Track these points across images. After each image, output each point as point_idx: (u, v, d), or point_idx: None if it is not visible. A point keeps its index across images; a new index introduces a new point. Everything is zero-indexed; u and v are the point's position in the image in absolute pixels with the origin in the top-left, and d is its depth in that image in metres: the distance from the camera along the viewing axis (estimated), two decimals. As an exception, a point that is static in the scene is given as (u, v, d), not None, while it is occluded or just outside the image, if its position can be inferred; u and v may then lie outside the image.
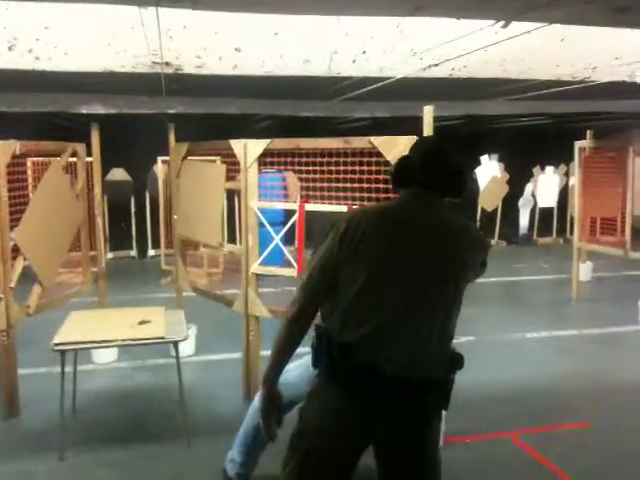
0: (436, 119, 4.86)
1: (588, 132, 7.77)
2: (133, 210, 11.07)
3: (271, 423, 2.10)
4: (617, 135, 8.22)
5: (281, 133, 4.39)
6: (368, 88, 5.33)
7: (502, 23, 3.22)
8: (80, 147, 5.10)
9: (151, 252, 11.13)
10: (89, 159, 5.39)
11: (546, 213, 13.02)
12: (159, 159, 9.44)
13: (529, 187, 12.77)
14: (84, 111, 6.84)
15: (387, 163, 3.79)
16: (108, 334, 3.82)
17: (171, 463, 3.79)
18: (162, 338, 3.82)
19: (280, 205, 4.50)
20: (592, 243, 7.82)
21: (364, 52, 4.29)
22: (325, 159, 4.16)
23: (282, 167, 4.49)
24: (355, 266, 2.00)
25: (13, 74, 4.59)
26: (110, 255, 9.77)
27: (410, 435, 2.08)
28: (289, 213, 5.39)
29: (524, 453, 3.88)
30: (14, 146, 4.20)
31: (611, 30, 3.58)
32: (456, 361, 2.10)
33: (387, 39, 3.98)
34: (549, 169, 12.68)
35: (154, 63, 4.25)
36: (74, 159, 5.17)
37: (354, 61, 4.43)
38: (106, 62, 4.24)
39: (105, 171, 7.62)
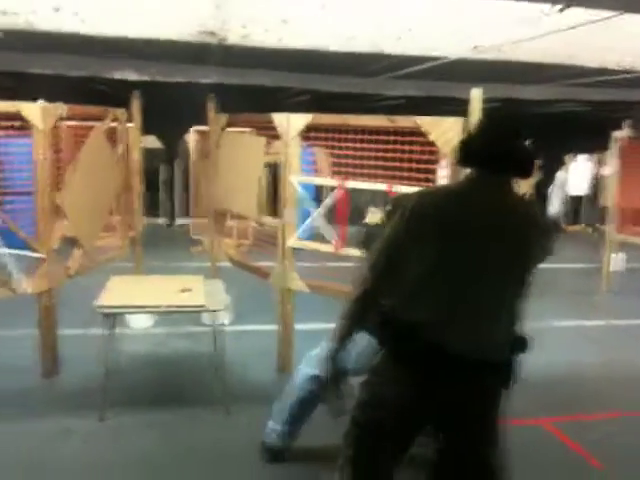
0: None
1: (626, 122, 7.64)
2: (162, 178, 11.14)
3: (334, 397, 2.14)
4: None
5: (312, 109, 4.37)
6: (410, 69, 5.30)
7: (559, 7, 3.19)
8: (121, 113, 5.14)
9: (179, 221, 11.23)
10: (128, 125, 5.42)
11: (576, 201, 12.88)
12: (192, 129, 9.45)
13: (561, 174, 12.63)
14: (117, 77, 6.88)
15: (431, 143, 3.79)
16: (151, 300, 3.89)
17: (210, 429, 3.86)
18: (203, 306, 3.89)
19: (320, 181, 4.50)
20: (626, 233, 7.73)
21: (410, 30, 4.27)
22: (360, 136, 4.15)
23: (318, 142, 4.48)
24: (422, 247, 2.00)
25: (51, 36, 4.61)
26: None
27: (471, 414, 2.10)
28: (319, 189, 5.42)
29: (556, 439, 3.90)
30: (60, 109, 4.25)
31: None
32: (520, 343, 2.11)
33: (434, 18, 3.96)
34: (581, 157, 12.52)
35: (199, 32, 4.26)
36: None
37: (399, 38, 4.41)
38: (152, 29, 4.25)
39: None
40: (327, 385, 2.17)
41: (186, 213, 10.94)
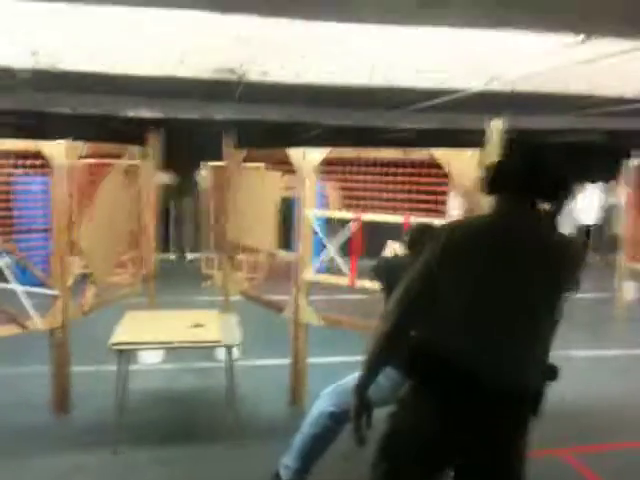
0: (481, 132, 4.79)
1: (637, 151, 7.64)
2: (173, 214, 11.19)
3: (361, 428, 2.10)
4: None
5: (325, 144, 4.39)
6: (426, 103, 5.33)
7: (581, 38, 3.20)
8: (140, 150, 5.18)
9: (191, 256, 11.25)
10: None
11: (585, 230, 12.82)
12: (205, 164, 9.51)
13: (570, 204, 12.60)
14: (130, 114, 6.96)
15: (445, 175, 3.79)
16: (165, 336, 3.86)
17: (223, 464, 3.81)
18: (218, 342, 3.86)
19: (337, 214, 4.50)
20: (638, 262, 7.68)
21: (427, 63, 4.30)
22: (372, 169, 4.16)
23: (330, 176, 4.50)
24: (454, 281, 2.00)
25: (70, 76, 4.69)
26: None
27: (500, 445, 2.08)
28: (329, 222, 5.37)
29: (574, 471, 3.83)
30: (80, 147, 4.29)
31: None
32: (550, 373, 2.11)
33: (450, 51, 3.99)
34: (590, 186, 12.50)
35: (218, 70, 4.31)
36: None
37: (417, 72, 4.45)
38: (171, 68, 4.31)
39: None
40: (354, 416, 2.13)
41: (196, 248, 10.96)
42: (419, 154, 3.92)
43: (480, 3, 2.66)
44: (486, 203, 2.22)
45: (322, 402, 3.38)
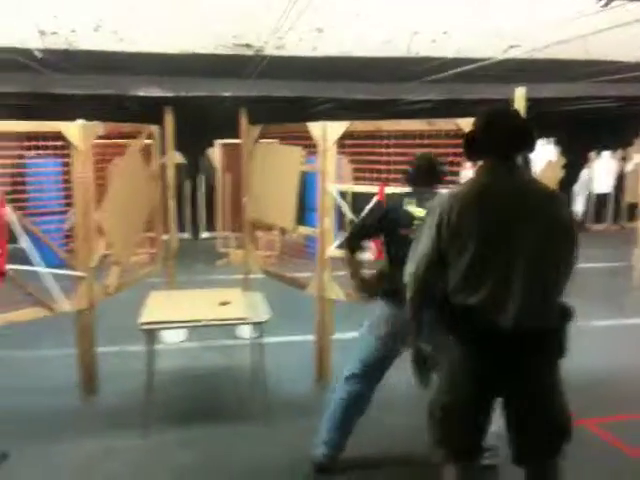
0: (498, 102, 4.72)
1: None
2: (187, 193, 11.16)
3: (422, 373, 2.52)
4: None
5: (338, 118, 4.34)
6: (446, 73, 5.25)
7: (603, 2, 3.13)
8: (155, 129, 5.14)
9: (204, 234, 11.25)
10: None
11: (600, 199, 12.74)
12: (216, 142, 9.45)
13: (585, 172, 12.49)
14: (141, 93, 6.91)
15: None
16: (193, 314, 3.85)
17: (250, 443, 3.82)
18: (246, 319, 3.85)
19: (360, 188, 4.46)
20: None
21: (445, 32, 4.22)
22: (386, 142, 4.17)
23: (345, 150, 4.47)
24: (461, 242, 2.27)
25: (93, 55, 4.64)
26: (165, 236, 9.87)
27: (533, 379, 2.35)
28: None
29: (600, 439, 3.84)
30: (98, 128, 4.25)
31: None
32: (565, 312, 2.37)
33: (469, 19, 3.91)
34: (605, 154, 12.38)
35: (235, 45, 4.25)
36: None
37: (434, 41, 4.37)
38: (188, 44, 4.25)
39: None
40: (413, 363, 2.53)
41: (210, 227, 10.95)
42: (443, 125, 3.86)
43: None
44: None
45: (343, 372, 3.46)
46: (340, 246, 3.66)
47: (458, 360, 2.37)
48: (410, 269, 2.43)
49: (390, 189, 4.03)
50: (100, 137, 4.35)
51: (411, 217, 3.22)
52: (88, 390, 4.44)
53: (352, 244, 3.48)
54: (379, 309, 3.37)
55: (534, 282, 2.27)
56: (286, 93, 6.56)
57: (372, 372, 3.35)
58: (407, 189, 3.48)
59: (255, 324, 3.95)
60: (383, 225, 3.37)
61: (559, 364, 2.42)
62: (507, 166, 2.33)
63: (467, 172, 5.24)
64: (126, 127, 4.81)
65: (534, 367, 2.36)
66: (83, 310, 4.32)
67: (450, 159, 3.84)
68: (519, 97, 3.54)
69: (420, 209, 3.18)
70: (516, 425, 2.47)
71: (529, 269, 2.25)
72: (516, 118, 2.41)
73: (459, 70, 5.13)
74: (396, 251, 3.30)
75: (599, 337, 5.81)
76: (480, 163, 2.39)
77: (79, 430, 3.96)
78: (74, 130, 4.06)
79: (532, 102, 3.05)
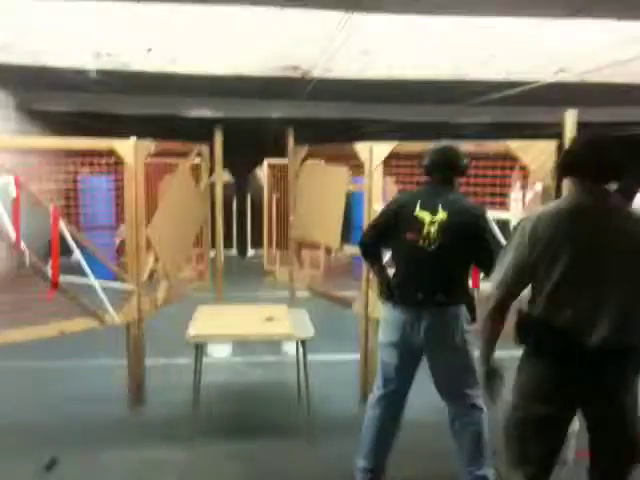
0: (548, 125, 4.69)
1: None
2: (235, 211, 11.34)
3: (493, 391, 2.55)
4: None
5: (386, 139, 4.37)
6: (492, 96, 5.25)
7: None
8: (205, 148, 5.27)
9: (250, 252, 11.40)
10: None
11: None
12: (265, 161, 9.60)
13: (638, 199, 12.18)
14: (193, 115, 7.10)
15: (510, 167, 3.74)
16: (240, 329, 3.93)
17: (294, 460, 3.84)
18: (291, 335, 3.90)
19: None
20: None
21: (494, 55, 4.24)
22: None
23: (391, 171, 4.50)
24: (547, 263, 2.33)
25: (146, 76, 4.81)
26: (213, 254, 10.04)
27: (612, 397, 2.39)
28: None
29: None
30: (150, 145, 4.39)
31: None
32: None
33: (520, 43, 3.92)
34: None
35: (284, 67, 4.35)
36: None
37: (483, 64, 4.39)
38: (239, 66, 4.37)
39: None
40: (483, 381, 2.58)
41: (257, 245, 11.09)
42: (493, 147, 3.86)
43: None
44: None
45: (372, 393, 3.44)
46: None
47: (539, 376, 2.43)
48: (498, 276, 2.48)
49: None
50: (152, 155, 4.49)
51: (421, 223, 3.14)
52: (136, 401, 4.54)
53: (366, 249, 3.41)
54: (386, 316, 3.32)
55: (623, 303, 2.34)
56: (333, 115, 6.65)
57: (390, 378, 3.31)
58: (422, 187, 3.38)
59: (299, 340, 3.99)
60: (391, 227, 3.27)
61: (637, 382, 2.48)
62: (602, 190, 2.38)
63: (517, 194, 5.23)
64: (177, 145, 4.95)
65: (613, 384, 2.41)
66: (132, 322, 4.44)
67: (499, 181, 3.84)
68: (570, 120, 3.52)
69: (432, 215, 3.12)
70: (591, 440, 2.52)
71: (619, 290, 2.32)
72: (617, 149, 2.43)
73: (506, 93, 5.11)
74: (402, 256, 3.28)
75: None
76: (573, 182, 2.45)
77: (126, 440, 4.04)
78: (126, 147, 4.21)
79: (584, 126, 3.03)
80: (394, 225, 3.25)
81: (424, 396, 3.45)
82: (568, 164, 2.45)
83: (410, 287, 3.19)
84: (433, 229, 3.12)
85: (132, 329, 4.46)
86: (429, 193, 3.23)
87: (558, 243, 2.32)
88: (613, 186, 2.42)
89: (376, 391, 3.39)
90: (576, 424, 2.89)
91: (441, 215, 3.11)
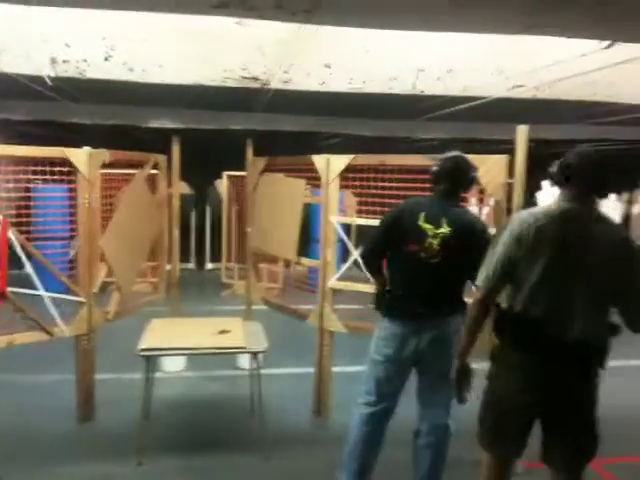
0: (503, 142, 4.78)
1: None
2: (193, 223, 11.22)
3: (463, 389, 2.76)
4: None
5: (343, 152, 4.38)
6: (446, 111, 5.32)
7: (606, 44, 3.18)
8: (162, 159, 5.20)
9: (209, 265, 11.28)
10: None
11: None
12: (224, 173, 9.55)
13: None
14: (153, 125, 7.01)
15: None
16: (192, 342, 3.86)
17: (248, 475, 3.79)
18: (244, 348, 3.85)
19: (361, 221, 4.48)
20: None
21: (450, 70, 4.29)
22: (389, 176, 4.20)
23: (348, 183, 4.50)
24: (534, 260, 2.53)
25: (102, 84, 4.73)
26: (168, 267, 9.91)
27: (575, 387, 2.61)
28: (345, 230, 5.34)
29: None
30: (104, 155, 4.32)
31: None
32: (613, 329, 2.61)
33: (475, 58, 3.98)
34: (611, 196, 12.38)
35: (243, 78, 4.33)
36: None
37: (439, 79, 4.44)
38: (198, 76, 4.33)
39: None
40: (456, 378, 2.75)
41: (215, 258, 10.99)
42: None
43: (510, 6, 2.64)
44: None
45: (356, 407, 3.37)
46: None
47: (514, 366, 2.63)
48: (485, 272, 2.66)
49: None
50: (107, 165, 4.41)
51: (424, 234, 3.08)
52: (85, 415, 4.43)
53: (369, 263, 3.41)
54: (381, 330, 3.27)
55: (594, 303, 2.55)
56: (294, 127, 6.65)
57: (385, 395, 3.26)
58: (426, 197, 3.32)
59: (253, 353, 3.94)
60: (392, 235, 3.20)
61: (599, 377, 2.67)
62: (589, 199, 2.56)
63: (473, 208, 5.28)
64: (133, 156, 4.87)
65: (581, 378, 2.62)
66: (82, 335, 4.33)
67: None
68: (521, 136, 3.58)
69: (435, 228, 3.07)
70: (551, 429, 2.70)
71: (591, 292, 2.53)
72: (609, 165, 2.60)
73: (463, 107, 5.19)
74: (401, 267, 3.21)
75: (606, 376, 5.73)
76: (564, 191, 2.63)
77: (74, 455, 3.94)
78: (80, 156, 4.13)
79: (538, 143, 3.08)
80: (395, 234, 3.19)
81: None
82: (563, 174, 2.60)
83: (410, 300, 3.15)
84: (435, 242, 3.07)
85: (82, 342, 4.35)
86: (434, 204, 3.16)
87: (541, 244, 2.52)
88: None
89: (366, 408, 3.29)
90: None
91: (445, 229, 3.06)
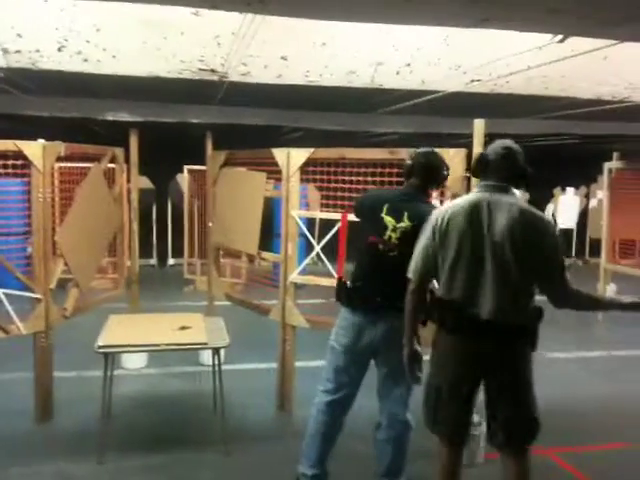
0: (463, 136, 4.83)
1: (615, 154, 7.74)
2: (155, 218, 11.07)
3: (415, 371, 2.88)
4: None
5: (305, 146, 4.38)
6: (404, 104, 5.35)
7: (559, 38, 3.23)
8: (119, 152, 5.12)
9: (171, 261, 11.16)
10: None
11: (565, 234, 12.96)
12: (185, 168, 9.45)
13: (549, 207, 12.73)
14: (110, 118, 6.89)
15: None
16: (152, 338, 3.81)
17: (210, 471, 3.77)
18: (205, 344, 3.82)
19: (322, 215, 4.49)
20: (619, 264, 7.77)
21: (408, 64, 4.31)
22: (349, 170, 4.21)
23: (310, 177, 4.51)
24: (446, 248, 2.72)
25: (57, 75, 4.62)
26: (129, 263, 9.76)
27: (507, 368, 2.74)
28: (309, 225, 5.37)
29: (562, 470, 3.86)
30: (59, 148, 4.23)
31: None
32: (537, 312, 2.75)
33: (433, 52, 4.00)
34: (570, 190, 12.64)
35: (200, 70, 4.28)
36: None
37: (397, 73, 4.45)
38: (153, 67, 4.27)
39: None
40: (407, 361, 2.86)
41: (178, 254, 10.87)
42: (405, 154, 3.91)
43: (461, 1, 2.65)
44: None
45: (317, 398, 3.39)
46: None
47: (449, 347, 2.78)
48: (412, 265, 2.82)
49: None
50: (64, 159, 4.32)
51: (385, 226, 3.12)
52: (44, 415, 4.35)
53: None
54: (341, 319, 3.29)
55: (504, 285, 2.66)
56: (254, 121, 6.60)
57: (343, 383, 3.28)
58: (394, 190, 3.39)
59: (214, 349, 3.91)
60: (360, 225, 3.34)
61: (531, 359, 2.79)
62: (502, 187, 2.73)
63: (434, 201, 5.33)
64: (88, 149, 4.79)
65: (508, 357, 2.74)
66: (40, 333, 4.24)
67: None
68: (478, 129, 3.62)
69: (396, 222, 3.10)
70: (489, 410, 2.83)
71: (500, 274, 2.65)
72: (521, 155, 2.80)
73: (421, 100, 5.22)
74: (362, 258, 3.25)
75: (561, 369, 5.88)
76: (479, 182, 2.84)
77: (32, 455, 3.87)
78: (35, 149, 4.04)
79: (497, 137, 3.11)
80: (361, 224, 3.30)
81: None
82: (481, 167, 2.80)
83: (370, 290, 3.17)
84: (394, 236, 3.10)
85: (39, 340, 4.27)
86: (399, 198, 3.20)
87: (452, 232, 2.69)
88: (522, 195, 2.69)
89: (325, 396, 3.32)
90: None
91: (405, 223, 3.08)
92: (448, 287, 2.75)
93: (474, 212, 2.69)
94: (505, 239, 2.64)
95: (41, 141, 4.09)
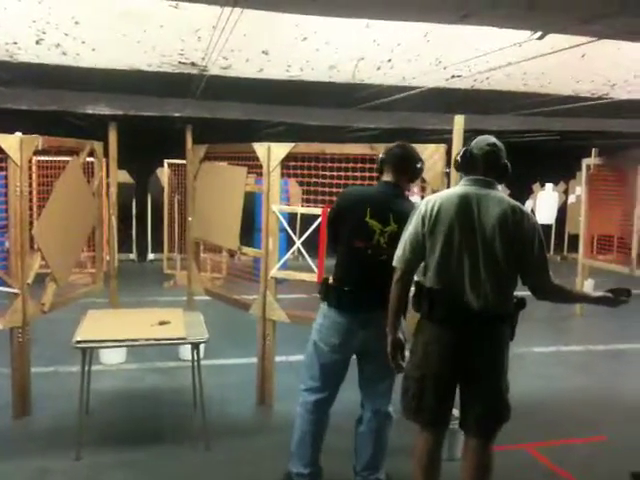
0: (443, 131, 4.84)
1: (593, 150, 7.82)
2: (134, 213, 10.99)
3: (398, 359, 2.89)
4: (624, 154, 8.28)
5: (286, 141, 4.37)
6: (384, 100, 5.36)
7: (538, 34, 3.25)
8: (98, 146, 5.07)
9: (151, 256, 11.09)
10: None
11: (543, 230, 13.06)
12: (165, 162, 9.38)
13: (528, 203, 12.83)
14: (89, 111, 6.81)
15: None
16: (130, 333, 3.78)
17: (189, 466, 3.75)
18: (184, 339, 3.80)
19: (303, 210, 4.49)
20: (596, 260, 7.86)
21: (389, 60, 4.32)
22: (330, 165, 4.22)
23: (292, 171, 4.50)
24: (435, 237, 2.75)
25: (35, 68, 4.56)
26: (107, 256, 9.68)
27: (484, 355, 2.79)
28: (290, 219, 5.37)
29: (539, 463, 3.90)
30: (37, 141, 4.18)
31: (633, 47, 3.62)
32: (519, 303, 2.83)
33: (413, 48, 4.01)
34: (548, 186, 12.73)
35: (180, 63, 4.25)
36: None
37: (378, 68, 4.46)
38: (133, 60, 4.23)
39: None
40: (390, 350, 2.87)
41: (157, 248, 10.80)
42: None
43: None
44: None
45: (300, 396, 3.39)
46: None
47: (433, 338, 2.81)
48: (398, 253, 2.84)
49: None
50: (42, 152, 4.26)
51: (371, 230, 3.09)
52: (21, 410, 4.31)
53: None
54: (326, 318, 3.25)
55: (493, 276, 2.72)
56: (235, 115, 6.57)
57: (330, 381, 3.28)
58: (371, 188, 3.35)
59: (193, 344, 3.90)
60: (338, 230, 3.24)
61: (508, 346, 2.86)
62: (485, 181, 2.79)
63: (415, 197, 5.36)
64: (66, 142, 4.73)
65: (488, 345, 2.80)
66: (16, 328, 4.20)
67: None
68: (458, 125, 3.64)
69: (383, 225, 3.08)
70: (464, 395, 2.88)
71: (490, 265, 2.71)
72: (502, 151, 2.88)
73: (401, 96, 5.24)
74: (350, 262, 3.20)
75: (539, 363, 5.95)
76: (463, 176, 2.90)
77: (9, 451, 3.83)
78: (11, 142, 3.99)
79: (478, 133, 3.13)
80: (340, 229, 3.22)
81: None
82: (464, 162, 2.86)
83: (360, 293, 3.15)
84: (383, 240, 3.08)
85: (16, 335, 4.22)
86: (379, 198, 3.15)
87: (440, 222, 2.74)
88: (503, 190, 2.73)
89: (310, 395, 3.30)
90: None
91: (392, 226, 3.06)
92: (435, 277, 2.78)
93: (464, 203, 2.74)
94: (495, 232, 2.69)
95: (18, 134, 4.04)
